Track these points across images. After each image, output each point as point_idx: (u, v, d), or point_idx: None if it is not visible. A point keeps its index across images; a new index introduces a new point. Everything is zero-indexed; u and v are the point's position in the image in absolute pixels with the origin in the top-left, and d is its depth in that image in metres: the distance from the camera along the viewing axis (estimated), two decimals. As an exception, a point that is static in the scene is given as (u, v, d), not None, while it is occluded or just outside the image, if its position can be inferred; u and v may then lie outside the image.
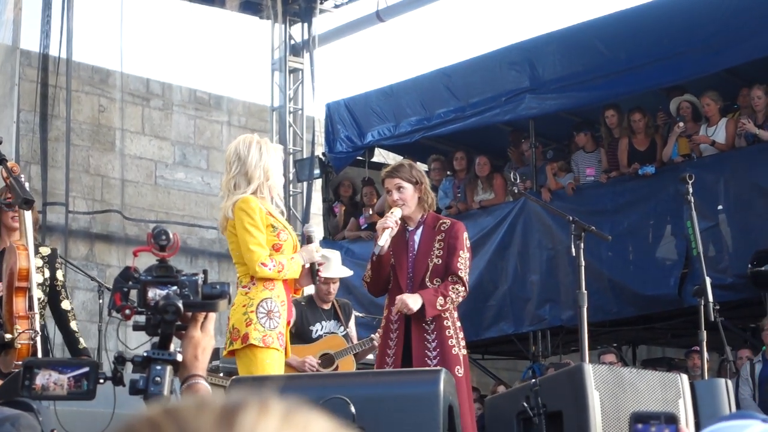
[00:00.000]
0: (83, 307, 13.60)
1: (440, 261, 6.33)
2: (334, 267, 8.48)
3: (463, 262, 6.36)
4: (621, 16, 11.87)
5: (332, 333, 8.47)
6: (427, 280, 6.30)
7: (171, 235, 2.92)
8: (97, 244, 14.22)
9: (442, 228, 6.41)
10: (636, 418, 2.88)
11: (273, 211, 5.93)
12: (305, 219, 14.96)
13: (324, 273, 8.24)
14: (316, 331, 8.43)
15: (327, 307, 8.53)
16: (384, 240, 6.22)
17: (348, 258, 11.76)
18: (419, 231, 6.43)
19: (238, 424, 1.17)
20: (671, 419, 2.86)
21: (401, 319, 6.29)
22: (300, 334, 8.27)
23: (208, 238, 15.00)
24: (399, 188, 6.40)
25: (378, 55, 23.97)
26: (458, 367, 6.21)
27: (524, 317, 12.04)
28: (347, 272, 8.75)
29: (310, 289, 8.98)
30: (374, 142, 13.88)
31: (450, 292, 6.25)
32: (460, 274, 6.31)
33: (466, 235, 6.49)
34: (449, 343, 6.25)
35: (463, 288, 6.32)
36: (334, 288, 8.50)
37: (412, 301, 6.16)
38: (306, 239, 6.11)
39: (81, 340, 6.83)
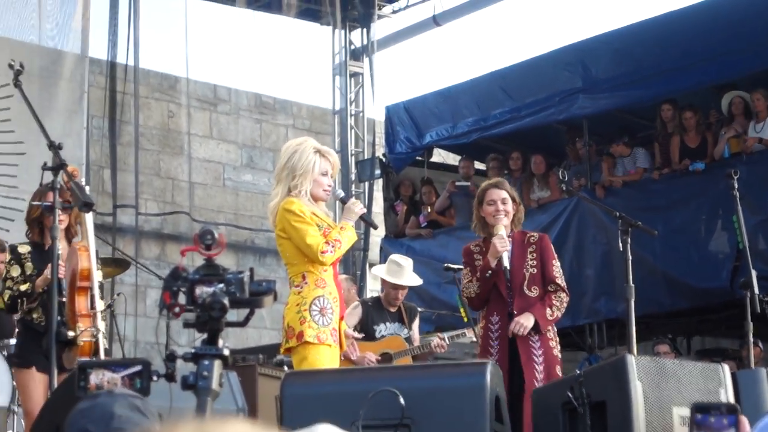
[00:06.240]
0: (156, 305, 14.02)
1: (536, 270, 6.70)
2: (407, 275, 8.72)
3: (558, 270, 6.77)
4: (671, 18, 12.00)
5: (395, 334, 8.65)
6: (525, 288, 6.68)
7: (216, 235, 3.05)
8: (168, 244, 14.59)
9: (531, 240, 6.80)
10: (697, 408, 3.07)
11: (318, 212, 6.09)
12: (367, 218, 15.25)
13: (396, 280, 8.56)
14: (380, 331, 8.60)
15: (393, 310, 8.70)
16: (506, 261, 6.64)
17: (410, 255, 12.02)
18: (508, 245, 6.75)
19: None
20: (732, 410, 3.05)
21: (502, 327, 6.65)
22: (364, 333, 8.47)
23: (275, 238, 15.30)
24: (504, 201, 6.77)
25: (435, 59, 24.17)
26: (558, 366, 6.63)
27: (581, 310, 12.14)
28: (418, 281, 8.94)
29: (376, 285, 9.22)
30: (433, 142, 14.05)
31: (554, 301, 6.66)
32: (558, 282, 6.73)
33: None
34: (550, 344, 6.65)
35: (564, 294, 6.75)
36: (402, 294, 8.70)
37: (525, 319, 6.57)
38: (341, 203, 6.43)
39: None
